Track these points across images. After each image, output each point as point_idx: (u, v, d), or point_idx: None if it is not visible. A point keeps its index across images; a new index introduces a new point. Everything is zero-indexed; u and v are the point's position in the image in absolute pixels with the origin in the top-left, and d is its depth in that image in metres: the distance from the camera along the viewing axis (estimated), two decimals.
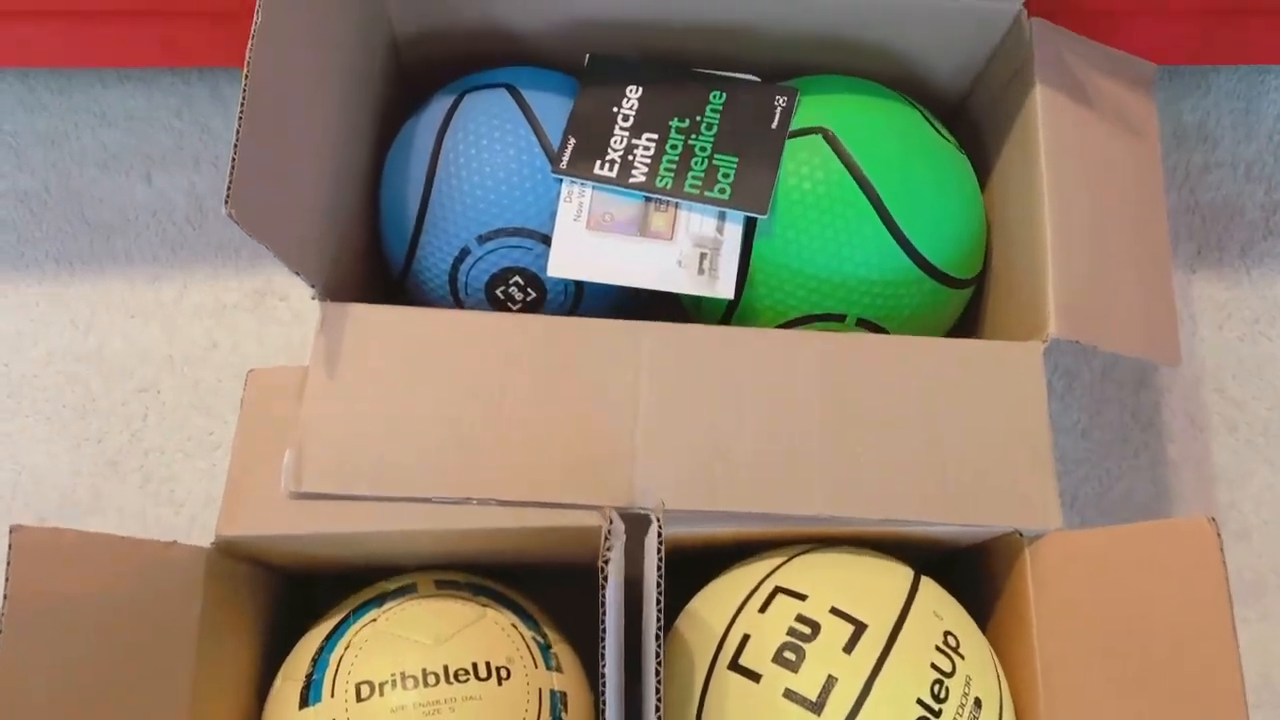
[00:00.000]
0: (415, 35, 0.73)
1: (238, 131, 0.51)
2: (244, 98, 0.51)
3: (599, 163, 0.65)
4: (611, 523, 0.47)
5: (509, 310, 0.68)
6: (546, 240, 0.65)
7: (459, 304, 0.68)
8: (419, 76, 0.77)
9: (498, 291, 0.67)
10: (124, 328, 0.82)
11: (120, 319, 0.82)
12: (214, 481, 0.79)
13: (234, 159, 0.51)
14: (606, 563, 0.45)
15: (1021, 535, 0.58)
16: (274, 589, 0.65)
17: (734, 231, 0.64)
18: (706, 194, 0.63)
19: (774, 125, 0.65)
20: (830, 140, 0.64)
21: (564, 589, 0.64)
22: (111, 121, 0.87)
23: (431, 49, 0.74)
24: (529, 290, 0.67)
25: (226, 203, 0.50)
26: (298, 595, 0.70)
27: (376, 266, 0.72)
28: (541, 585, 0.66)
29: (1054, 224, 0.63)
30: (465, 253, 0.66)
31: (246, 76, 0.52)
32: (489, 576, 0.65)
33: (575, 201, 0.64)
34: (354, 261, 0.67)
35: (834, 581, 0.56)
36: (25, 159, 0.86)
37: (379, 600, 0.60)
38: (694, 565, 0.63)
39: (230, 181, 0.50)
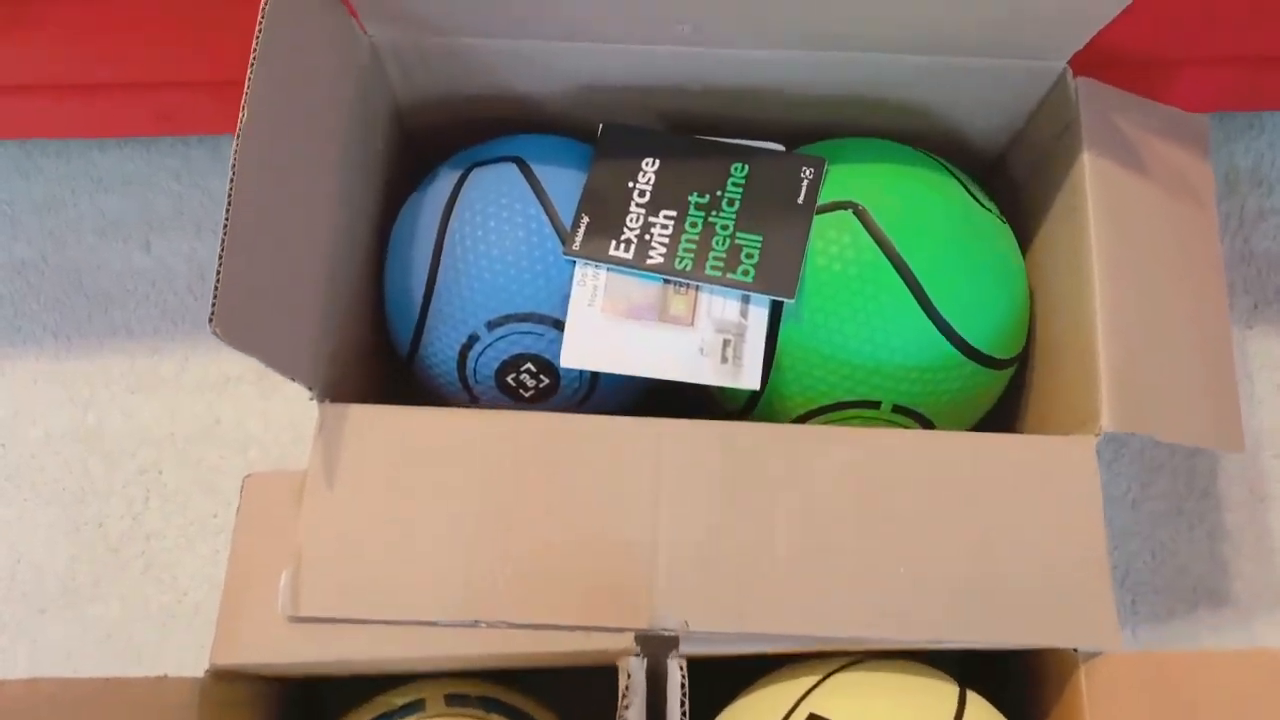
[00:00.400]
0: (419, 102, 0.69)
1: (223, 241, 0.47)
2: (230, 202, 0.48)
3: (614, 243, 0.61)
4: (630, 676, 0.43)
5: (521, 397, 0.64)
6: (559, 325, 0.61)
7: (468, 390, 0.64)
8: (425, 141, 0.73)
9: (508, 379, 0.63)
10: (124, 404, 0.79)
11: (120, 395, 0.79)
12: (218, 567, 0.75)
13: (219, 272, 0.47)
14: None
15: (1076, 652, 0.54)
16: (275, 701, 0.62)
17: (759, 315, 0.59)
18: (729, 276, 0.59)
19: (800, 200, 0.61)
20: (861, 215, 0.60)
21: (584, 688, 0.61)
22: (109, 186, 0.84)
23: (436, 115, 0.70)
24: (541, 377, 0.63)
25: (211, 320, 0.46)
26: (301, 700, 0.66)
27: (383, 346, 0.69)
28: (559, 683, 0.63)
29: (1104, 300, 0.59)
30: (473, 339, 0.62)
31: (232, 180, 0.48)
32: (503, 683, 0.61)
33: (589, 285, 0.60)
34: (358, 345, 0.64)
35: (873, 708, 0.52)
36: (21, 227, 0.83)
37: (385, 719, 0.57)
38: (720, 666, 0.59)
39: (215, 298, 0.47)
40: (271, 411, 0.79)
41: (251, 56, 0.50)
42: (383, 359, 0.69)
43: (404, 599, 0.53)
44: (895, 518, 0.54)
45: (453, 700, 0.58)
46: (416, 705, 0.57)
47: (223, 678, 0.53)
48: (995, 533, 0.54)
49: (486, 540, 0.53)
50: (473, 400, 0.65)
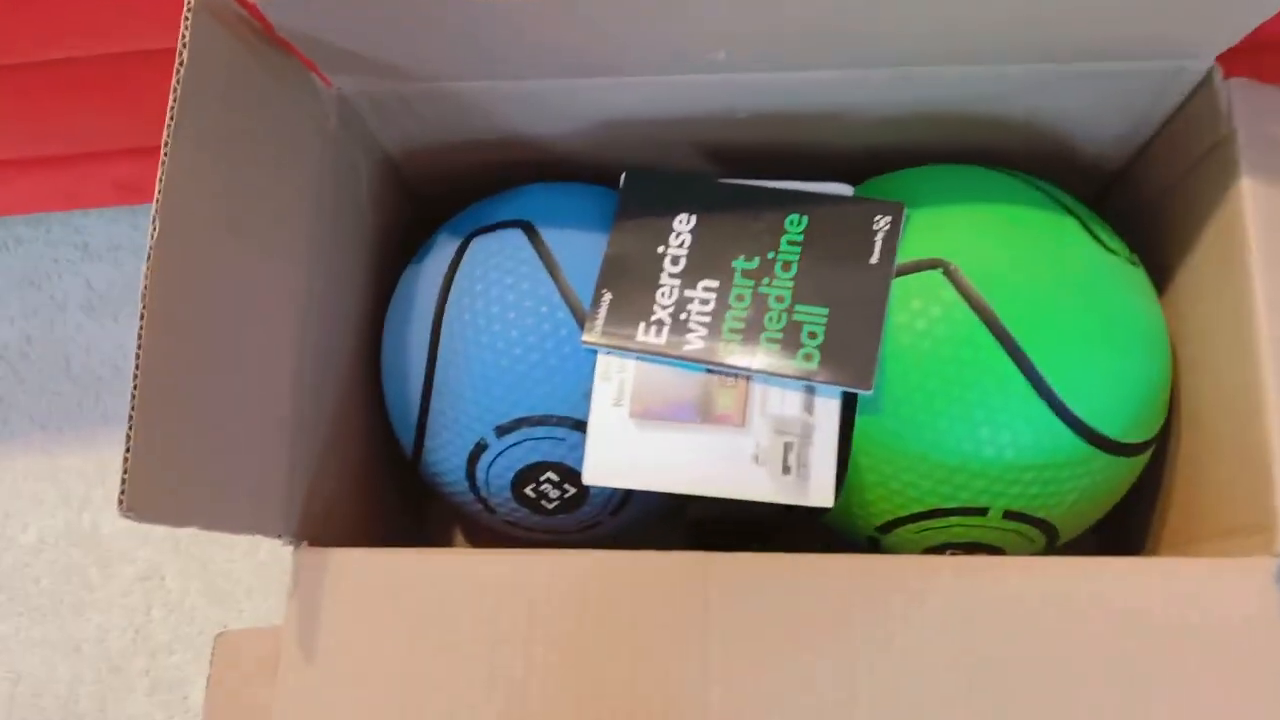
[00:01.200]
0: (412, 152, 0.58)
1: (133, 397, 0.38)
2: (140, 344, 0.38)
3: (643, 325, 0.49)
4: None
5: (544, 509, 0.53)
6: (580, 426, 0.50)
7: (482, 501, 0.54)
8: (431, 193, 0.63)
9: (527, 490, 0.53)
10: None
11: (116, 492, 0.71)
12: None
13: (129, 438, 0.37)
14: None
15: None
16: None
17: (828, 409, 0.47)
18: (788, 362, 0.47)
19: (874, 258, 0.49)
20: (951, 276, 0.47)
21: None
22: (95, 254, 0.75)
23: (435, 166, 0.60)
24: (566, 487, 0.52)
25: (120, 503, 0.37)
26: None
27: (390, 442, 0.59)
28: None
29: (1278, 364, 0.45)
30: (482, 447, 0.51)
31: (143, 317, 0.38)
32: None
33: (614, 380, 0.49)
34: (352, 453, 0.54)
35: None
36: (2, 305, 0.75)
37: None
38: None
39: (125, 471, 0.37)
40: None
41: (164, 143, 0.40)
42: (390, 458, 0.59)
43: None
44: (1013, 676, 0.42)
45: None
46: None
47: None
48: (1140, 696, 0.41)
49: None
50: (489, 511, 0.55)
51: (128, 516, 0.37)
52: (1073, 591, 0.43)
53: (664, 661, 0.43)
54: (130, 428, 0.37)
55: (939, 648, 0.42)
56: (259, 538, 0.68)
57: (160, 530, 0.70)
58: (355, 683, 0.44)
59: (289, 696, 0.45)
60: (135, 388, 0.37)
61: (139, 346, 0.38)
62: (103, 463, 0.72)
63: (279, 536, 0.45)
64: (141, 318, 0.38)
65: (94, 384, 0.73)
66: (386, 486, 0.59)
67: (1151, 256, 0.54)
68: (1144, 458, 0.51)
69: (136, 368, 0.38)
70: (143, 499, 0.37)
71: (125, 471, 0.37)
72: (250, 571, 0.66)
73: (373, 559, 0.46)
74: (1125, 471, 0.50)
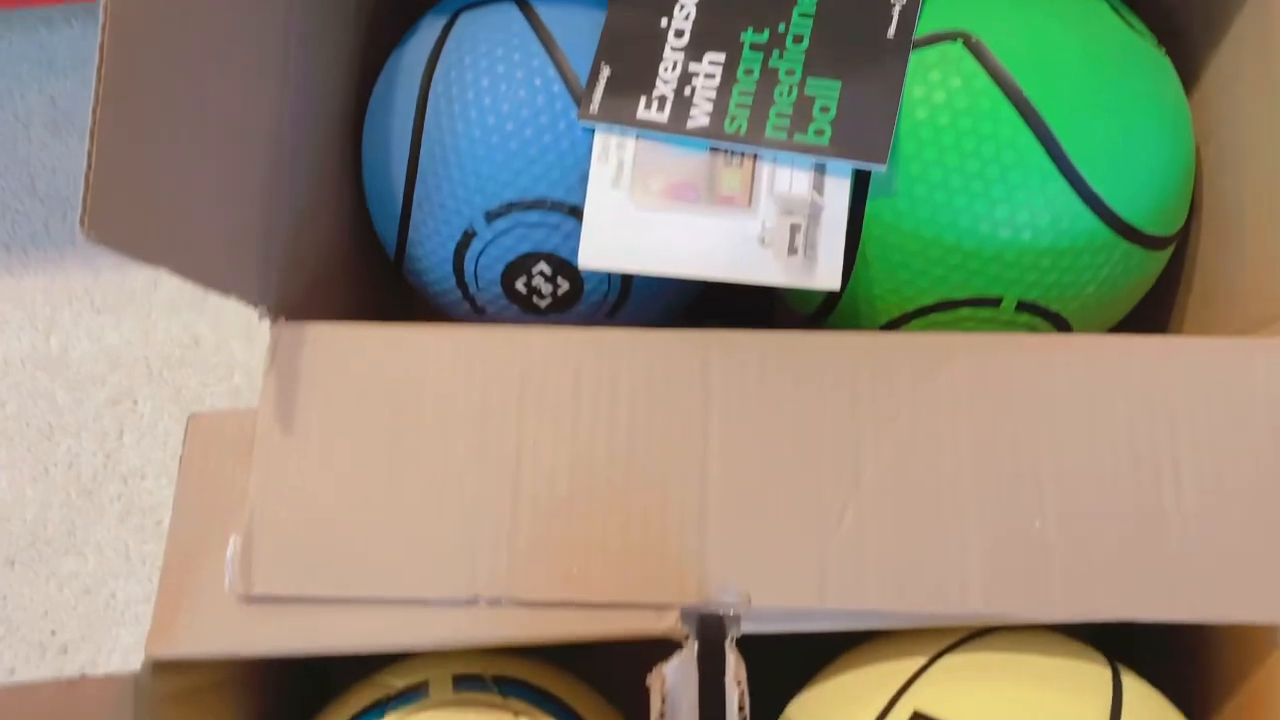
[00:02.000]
0: None
1: (94, 109, 0.34)
2: (103, 49, 0.35)
3: (644, 100, 0.46)
4: (666, 683, 0.31)
5: (535, 306, 0.51)
6: (576, 213, 0.47)
7: (469, 300, 0.52)
8: None
9: (518, 284, 0.50)
10: (90, 325, 0.68)
11: (85, 315, 0.68)
12: None
13: (90, 152, 0.34)
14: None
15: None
16: (240, 686, 0.51)
17: (838, 189, 0.45)
18: (798, 139, 0.45)
19: (891, 31, 0.46)
20: (974, 48, 0.45)
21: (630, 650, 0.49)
22: (61, 70, 0.71)
23: None
24: (559, 281, 0.50)
25: (82, 220, 0.34)
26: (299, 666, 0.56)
27: (370, 244, 0.56)
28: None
29: None
30: (470, 235, 0.49)
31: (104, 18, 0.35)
32: (523, 655, 0.50)
33: (613, 159, 0.46)
34: (332, 244, 0.51)
35: (999, 705, 0.39)
36: None
37: (379, 709, 0.46)
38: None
39: (88, 184, 0.34)
40: (257, 330, 0.67)
41: None
42: (371, 260, 0.56)
43: (381, 571, 0.41)
44: (1028, 455, 0.40)
45: (462, 682, 0.47)
46: (419, 689, 0.47)
47: (165, 674, 0.42)
48: (1166, 473, 0.40)
49: (487, 497, 0.41)
50: (477, 312, 0.52)
51: (89, 237, 0.34)
52: (1090, 368, 0.41)
53: (662, 436, 0.41)
54: (92, 141, 0.34)
55: (948, 424, 0.41)
56: (233, 361, 0.66)
57: (131, 354, 0.68)
58: (336, 460, 0.42)
59: (266, 475, 0.42)
60: (97, 100, 0.34)
61: (100, 53, 0.34)
62: (70, 285, 0.69)
63: (255, 304, 0.43)
64: (103, 30, 0.35)
65: (60, 204, 0.70)
66: (367, 293, 0.57)
67: (1179, 54, 0.51)
68: (1165, 254, 0.49)
69: (98, 77, 0.34)
70: (105, 219, 0.34)
71: (87, 187, 0.34)
72: (224, 396, 0.64)
73: (355, 332, 0.44)
74: (1146, 266, 0.48)
